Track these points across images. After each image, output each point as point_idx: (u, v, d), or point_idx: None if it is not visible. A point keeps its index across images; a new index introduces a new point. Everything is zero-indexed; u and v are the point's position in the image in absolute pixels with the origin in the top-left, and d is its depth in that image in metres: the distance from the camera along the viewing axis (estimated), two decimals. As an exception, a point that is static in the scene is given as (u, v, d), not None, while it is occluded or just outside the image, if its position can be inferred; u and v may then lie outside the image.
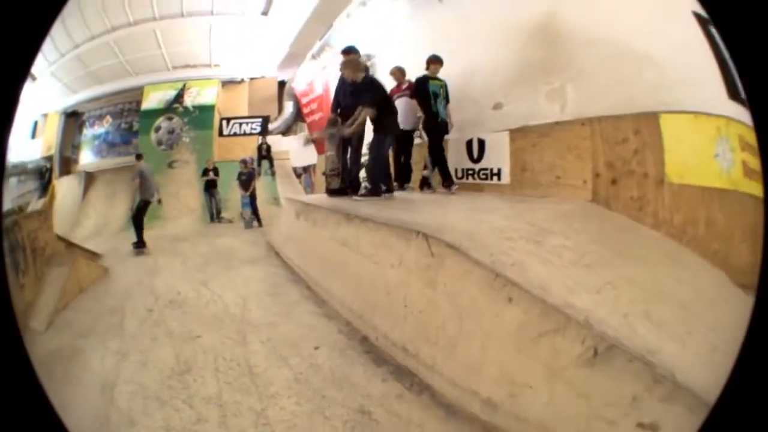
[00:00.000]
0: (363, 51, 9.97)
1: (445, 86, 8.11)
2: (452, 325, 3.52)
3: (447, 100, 8.12)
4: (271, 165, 14.65)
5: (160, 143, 15.25)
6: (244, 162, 13.30)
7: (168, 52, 14.76)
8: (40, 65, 13.06)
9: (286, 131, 16.89)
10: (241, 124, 15.81)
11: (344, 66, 7.79)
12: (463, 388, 3.24)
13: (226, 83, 16.01)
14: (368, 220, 5.21)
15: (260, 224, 12.56)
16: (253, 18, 14.38)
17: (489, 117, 7.82)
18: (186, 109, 15.41)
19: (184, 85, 15.42)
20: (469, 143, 8.13)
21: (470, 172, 8.16)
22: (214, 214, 13.58)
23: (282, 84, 16.84)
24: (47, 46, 12.50)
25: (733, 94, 4.89)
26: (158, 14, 13.60)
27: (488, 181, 7.80)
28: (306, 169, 15.93)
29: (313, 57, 14.51)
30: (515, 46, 7.30)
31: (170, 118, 15.37)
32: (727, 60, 5.10)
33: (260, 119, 15.88)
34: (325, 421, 3.41)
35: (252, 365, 4.38)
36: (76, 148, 15.47)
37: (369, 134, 7.99)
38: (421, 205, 6.65)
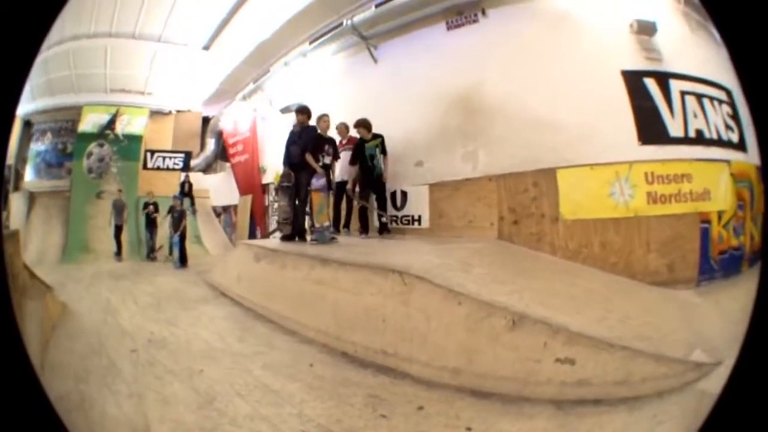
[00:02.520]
0: (295, 101, 11.20)
1: (380, 143, 9.11)
2: (423, 326, 4.87)
3: (384, 153, 9.13)
4: (192, 203, 14.39)
5: (90, 171, 14.97)
6: (177, 199, 13.12)
7: (111, 73, 14.85)
8: None
9: (206, 169, 16.99)
10: (164, 157, 15.69)
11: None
12: (435, 366, 4.57)
13: (155, 113, 15.96)
14: (347, 263, 6.29)
15: (186, 264, 12.64)
16: (194, 50, 14.63)
17: (411, 172, 9.27)
18: (116, 136, 15.29)
19: (117, 111, 15.32)
20: (393, 194, 9.50)
21: (393, 218, 9.48)
22: (149, 252, 13.55)
23: (206, 120, 17.00)
24: None
25: (646, 138, 6.91)
26: (114, 30, 13.74)
27: (410, 226, 9.29)
28: (226, 209, 16.08)
29: (244, 98, 14.94)
30: (438, 111, 8.81)
31: (101, 145, 15.17)
32: (658, 107, 6.92)
33: (183, 155, 15.87)
34: (351, 406, 4.24)
35: (267, 384, 4.78)
36: (24, 162, 15.15)
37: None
38: (373, 249, 7.61)
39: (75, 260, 13.02)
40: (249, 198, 14.54)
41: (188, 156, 15.93)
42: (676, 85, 7.07)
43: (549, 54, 7.48)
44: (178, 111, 16.36)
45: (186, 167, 15.75)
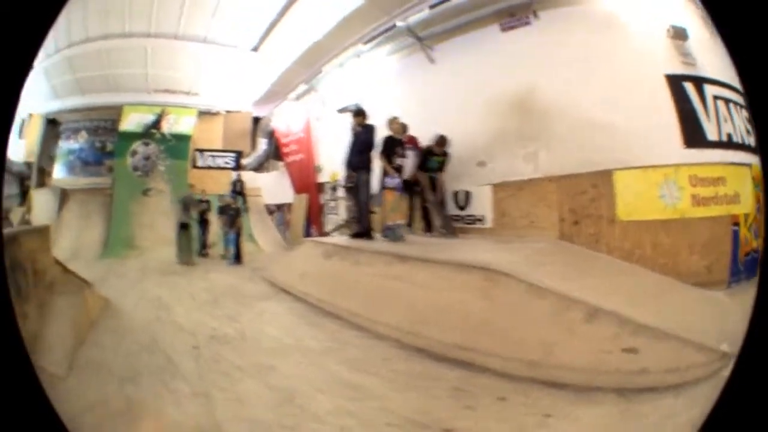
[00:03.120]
0: (350, 101, 12.09)
1: (443, 162, 10.14)
2: (504, 320, 5.40)
3: (442, 170, 10.21)
4: (245, 201, 15.09)
5: (136, 168, 15.63)
6: (230, 197, 13.92)
7: (152, 73, 15.20)
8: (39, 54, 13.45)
9: (258, 168, 17.62)
10: (215, 157, 16.52)
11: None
12: (513, 359, 4.96)
13: (203, 113, 16.53)
14: (428, 260, 6.94)
15: (240, 261, 13.07)
16: (242, 52, 15.08)
17: (474, 172, 10.02)
18: (163, 136, 15.90)
19: (163, 111, 15.88)
20: (456, 193, 10.37)
21: (457, 218, 10.28)
22: (201, 248, 13.95)
23: (256, 120, 17.60)
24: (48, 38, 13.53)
25: (691, 142, 7.41)
26: (154, 30, 14.01)
27: (473, 225, 10.04)
28: (279, 207, 16.66)
29: (297, 98, 15.61)
30: (498, 112, 9.44)
31: (147, 144, 15.78)
32: (696, 111, 7.55)
33: (234, 154, 16.68)
34: (437, 396, 4.54)
35: (346, 379, 4.97)
36: (51, 159, 15.68)
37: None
38: (444, 247, 8.24)
39: (118, 255, 13.55)
40: (304, 197, 15.23)
41: (239, 155, 16.77)
42: (709, 90, 7.56)
43: (598, 56, 8.01)
44: (228, 111, 16.97)
45: (237, 166, 16.58)
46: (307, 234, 14.69)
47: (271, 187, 16.78)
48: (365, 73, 12.95)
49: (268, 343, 6.37)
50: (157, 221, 14.47)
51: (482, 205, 9.93)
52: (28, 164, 14.68)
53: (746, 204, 7.32)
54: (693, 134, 7.48)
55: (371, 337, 6.25)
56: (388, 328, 6.26)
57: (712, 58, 7.29)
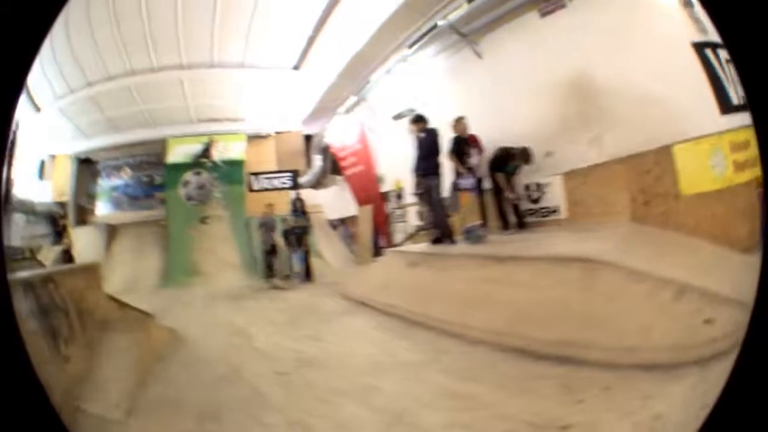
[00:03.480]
0: (404, 107, 12.81)
1: (516, 168, 10.46)
2: (604, 309, 5.52)
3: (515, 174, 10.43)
4: (307, 219, 15.19)
5: (190, 198, 16.34)
6: (293, 216, 14.58)
7: (193, 104, 15.76)
8: (44, 95, 13.87)
9: (316, 185, 18.17)
10: (270, 178, 17.10)
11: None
12: (613, 348, 5.09)
13: (252, 137, 17.19)
14: (523, 258, 7.19)
15: (311, 278, 13.57)
16: (283, 72, 15.46)
17: (542, 163, 10.27)
18: (215, 163, 16.61)
19: (210, 139, 16.59)
20: (527, 187, 10.66)
21: (531, 211, 10.61)
22: (269, 270, 14.19)
23: (308, 138, 18.14)
24: (54, 75, 13.51)
25: (724, 108, 7.55)
26: (186, 62, 14.39)
27: (548, 218, 10.31)
28: (343, 221, 17.29)
29: (347, 111, 16.17)
30: (555, 99, 9.69)
31: (198, 173, 16.51)
32: (720, 77, 7.74)
33: (290, 173, 17.24)
34: (546, 395, 4.64)
35: (454, 390, 5.07)
36: (92, 197, 16.51)
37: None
38: (530, 243, 8.62)
39: (180, 283, 14.06)
40: (369, 208, 15.75)
41: (295, 174, 17.30)
42: (722, 55, 7.51)
43: (634, 31, 8.22)
44: (277, 132, 17.62)
45: (295, 185, 17.16)
46: (376, 245, 15.24)
47: (332, 202, 17.17)
48: (414, 76, 13.23)
49: (361, 361, 6.25)
50: (218, 246, 15.09)
51: (555, 196, 10.21)
52: (61, 204, 15.31)
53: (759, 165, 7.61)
54: (724, 101, 7.61)
55: (469, 344, 6.19)
56: (486, 332, 6.27)
57: (707, 21, 7.37)
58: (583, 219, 9.52)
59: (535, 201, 10.55)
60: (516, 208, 10.49)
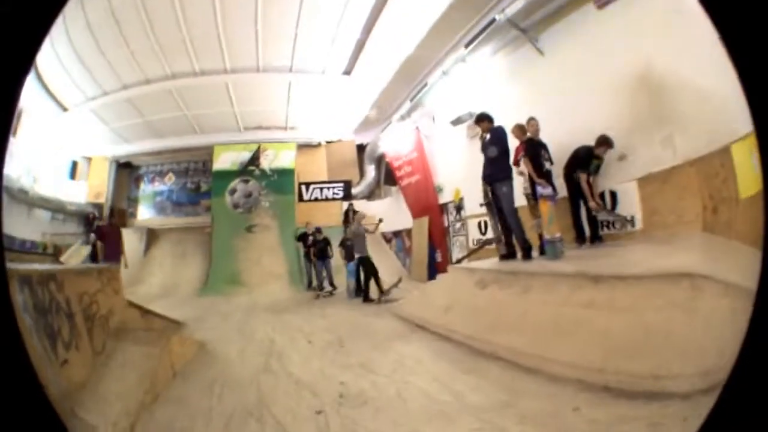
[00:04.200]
0: (463, 110, 12.47)
1: (600, 164, 9.30)
2: (702, 331, 4.81)
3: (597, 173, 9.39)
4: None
5: (236, 206, 16.65)
6: (348, 228, 14.07)
7: (240, 111, 15.84)
8: (72, 96, 14.19)
9: (369, 195, 18.13)
10: (322, 188, 17.17)
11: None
12: (695, 374, 4.40)
13: (302, 146, 17.31)
14: (628, 277, 5.98)
15: (367, 295, 12.56)
16: (334, 77, 15.20)
17: (615, 168, 9.42)
18: (263, 172, 16.83)
19: (259, 147, 16.82)
20: (602, 195, 9.55)
21: (605, 223, 9.59)
22: (322, 284, 14.16)
23: (361, 147, 18.18)
24: (82, 77, 13.74)
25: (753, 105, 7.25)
26: (231, 66, 14.28)
27: (623, 230, 9.34)
28: (397, 234, 16.99)
29: (402, 118, 15.83)
30: (623, 96, 9.06)
31: (246, 181, 16.78)
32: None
33: (342, 183, 17.28)
34: None
35: None
36: (133, 201, 17.28)
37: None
38: (617, 259, 7.64)
39: (221, 292, 14.03)
40: (425, 220, 15.32)
41: (348, 185, 17.44)
42: None
43: (687, 21, 6.95)
44: (329, 141, 17.81)
45: (347, 196, 17.27)
46: (431, 261, 14.77)
47: (386, 213, 16.66)
48: (473, 77, 12.96)
49: (419, 401, 5.20)
50: (264, 257, 15.07)
51: (630, 204, 9.25)
52: (97, 205, 15.95)
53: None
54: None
55: (549, 381, 5.23)
56: (572, 367, 5.38)
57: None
58: (659, 230, 8.59)
59: (609, 211, 9.45)
60: (593, 219, 9.34)
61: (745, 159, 6.97)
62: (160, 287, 14.03)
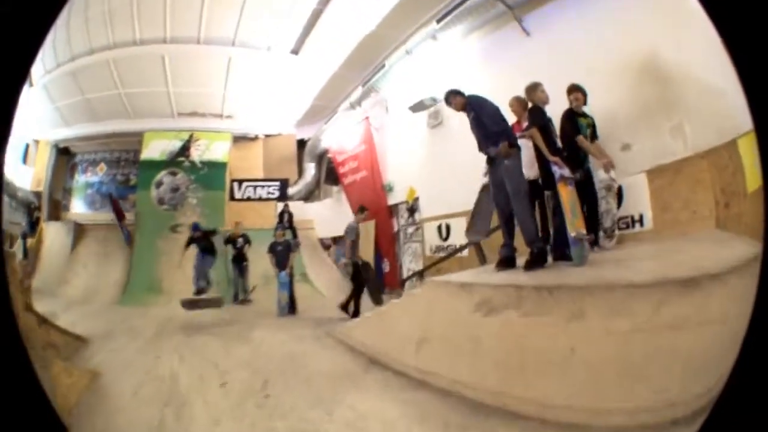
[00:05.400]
0: (425, 95, 11.37)
1: (593, 124, 7.88)
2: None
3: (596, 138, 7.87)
4: (295, 236, 14.16)
5: (161, 202, 15.28)
6: (279, 230, 12.73)
7: (175, 91, 14.64)
8: (36, 69, 13.17)
9: (307, 197, 17.07)
10: (255, 187, 15.90)
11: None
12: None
13: (238, 138, 16.09)
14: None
15: (295, 311, 11.84)
16: (280, 55, 14.11)
17: (619, 159, 8.26)
18: (193, 164, 15.49)
19: (191, 136, 15.51)
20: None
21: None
22: (239, 294, 13.23)
23: (302, 143, 17.06)
24: (48, 46, 12.64)
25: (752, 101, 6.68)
26: (170, 35, 13.20)
27: (628, 230, 8.22)
28: (337, 240, 15.89)
29: (351, 106, 14.78)
30: (625, 82, 8.34)
31: (174, 173, 15.44)
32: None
33: (278, 183, 16.05)
34: None
35: None
36: (67, 192, 15.72)
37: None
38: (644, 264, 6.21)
39: (139, 302, 12.98)
40: (371, 224, 14.04)
41: (285, 184, 16.19)
42: None
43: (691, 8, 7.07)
44: (267, 135, 16.55)
45: (283, 196, 16.01)
46: (379, 271, 13.57)
47: (325, 217, 16.33)
48: (442, 57, 11.76)
49: None
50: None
51: (638, 200, 8.16)
52: (37, 194, 14.67)
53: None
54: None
55: None
56: (627, 414, 4.06)
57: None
58: (671, 229, 7.68)
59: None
60: (594, 215, 7.57)
61: (749, 154, 6.54)
62: (83, 290, 12.97)
